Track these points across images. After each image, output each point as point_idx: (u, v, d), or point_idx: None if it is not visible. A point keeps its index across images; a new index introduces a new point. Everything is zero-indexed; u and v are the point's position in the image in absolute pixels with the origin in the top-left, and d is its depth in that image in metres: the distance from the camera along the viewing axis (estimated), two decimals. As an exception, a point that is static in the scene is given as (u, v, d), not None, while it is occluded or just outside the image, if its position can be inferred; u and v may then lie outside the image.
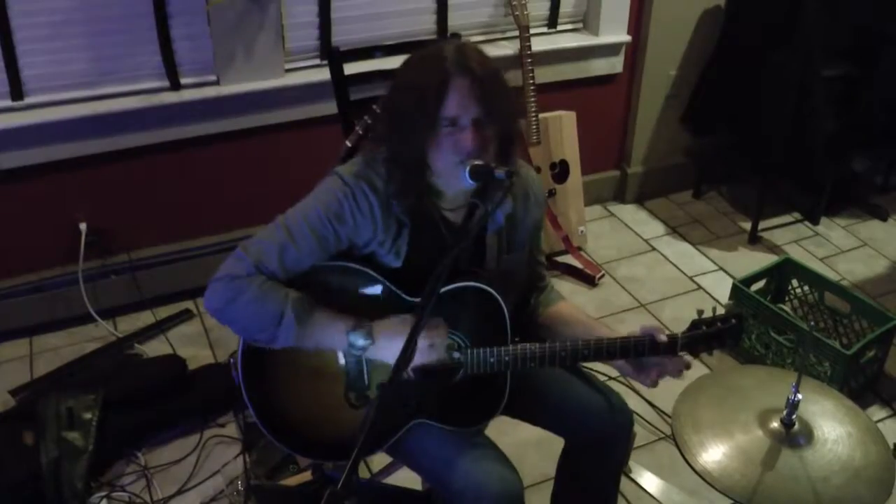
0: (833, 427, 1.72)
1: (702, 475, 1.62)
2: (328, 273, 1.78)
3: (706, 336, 1.77)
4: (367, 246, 1.78)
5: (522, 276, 1.97)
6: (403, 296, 1.78)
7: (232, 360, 1.87)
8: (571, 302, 2.05)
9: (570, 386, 1.97)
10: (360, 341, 1.69)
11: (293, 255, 1.72)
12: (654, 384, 1.81)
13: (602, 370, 2.98)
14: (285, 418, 1.86)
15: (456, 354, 1.79)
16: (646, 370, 1.80)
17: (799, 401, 1.66)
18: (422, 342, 1.67)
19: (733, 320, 1.77)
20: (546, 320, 1.99)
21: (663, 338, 1.76)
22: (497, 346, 1.78)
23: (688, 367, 1.78)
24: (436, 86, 1.64)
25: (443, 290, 1.72)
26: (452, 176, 1.69)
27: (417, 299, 1.76)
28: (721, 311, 1.80)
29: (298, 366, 1.81)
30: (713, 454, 1.66)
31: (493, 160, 1.68)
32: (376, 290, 1.79)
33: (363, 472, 2.37)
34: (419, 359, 1.69)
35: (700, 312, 1.79)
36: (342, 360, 1.82)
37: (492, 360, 1.77)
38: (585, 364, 2.11)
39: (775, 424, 1.69)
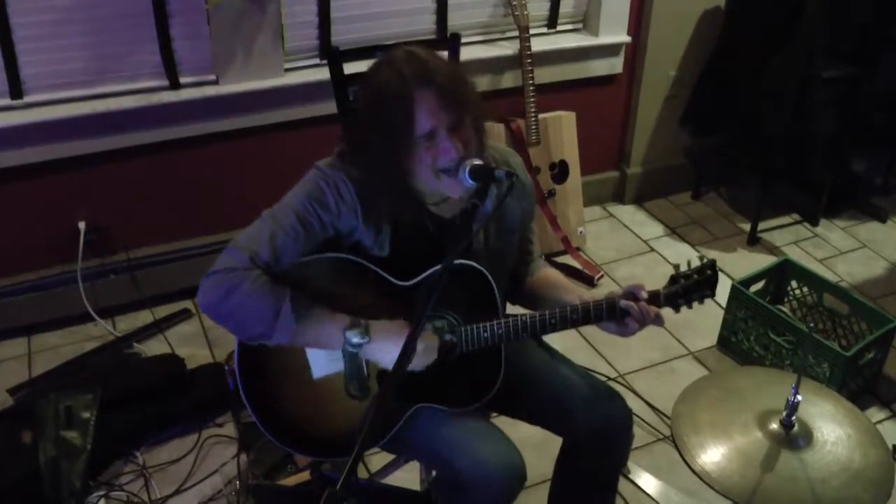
0: (832, 429, 1.72)
1: (701, 476, 1.62)
2: (319, 265, 1.79)
3: (685, 289, 1.80)
4: (352, 235, 1.79)
5: (512, 256, 1.98)
6: (395, 281, 1.79)
7: (227, 368, 1.87)
8: (555, 270, 2.07)
9: (568, 383, 1.97)
10: (356, 339, 1.70)
11: (282, 242, 1.73)
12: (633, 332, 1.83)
13: (602, 371, 2.98)
14: (285, 417, 1.86)
15: (448, 336, 1.80)
16: (625, 324, 1.81)
17: (798, 402, 1.66)
18: (418, 345, 1.67)
19: (709, 271, 1.81)
20: (532, 286, 2.02)
21: (644, 294, 1.78)
22: (489, 321, 1.79)
23: (658, 320, 1.79)
24: (402, 107, 1.64)
25: (432, 269, 1.76)
26: (439, 184, 1.71)
27: (409, 283, 1.78)
28: (696, 263, 1.84)
29: (296, 361, 1.82)
30: (712, 455, 1.66)
31: (476, 153, 1.70)
32: (368, 277, 1.79)
33: (362, 473, 2.37)
34: (415, 363, 1.71)
35: (676, 267, 1.83)
36: (316, 374, 1.83)
37: (485, 334, 1.79)
38: (587, 367, 2.10)
39: (774, 426, 1.69)
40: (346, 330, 1.70)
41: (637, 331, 1.80)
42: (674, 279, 1.82)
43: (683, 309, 1.83)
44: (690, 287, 1.81)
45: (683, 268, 1.83)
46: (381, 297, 1.79)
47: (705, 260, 1.83)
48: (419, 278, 1.78)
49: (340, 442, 1.86)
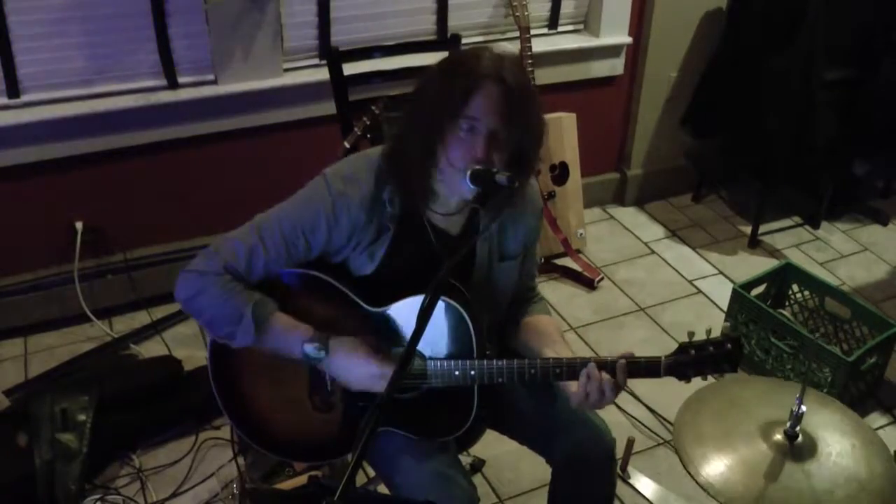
0: (837, 439, 1.71)
1: (704, 488, 1.60)
2: (293, 278, 1.78)
3: (694, 360, 1.66)
4: (340, 252, 1.77)
5: (512, 285, 1.92)
6: (363, 305, 1.76)
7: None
8: (553, 318, 1.98)
9: (547, 407, 1.92)
10: (313, 353, 1.70)
11: (261, 260, 1.73)
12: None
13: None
14: (256, 420, 1.88)
15: (431, 363, 1.75)
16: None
17: (803, 413, 1.64)
18: (375, 369, 1.69)
19: (728, 345, 1.64)
20: (521, 330, 1.93)
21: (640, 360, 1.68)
22: (462, 360, 1.73)
23: (617, 389, 1.67)
24: (465, 83, 1.61)
25: (410, 299, 1.73)
26: (454, 179, 1.65)
27: (377, 309, 1.76)
28: (716, 333, 1.67)
29: (262, 369, 1.81)
30: (715, 466, 1.64)
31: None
32: (339, 297, 1.77)
33: (360, 478, 2.34)
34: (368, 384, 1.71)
35: (690, 335, 1.67)
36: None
37: (456, 373, 1.73)
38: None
39: (778, 437, 1.67)
40: (304, 343, 1.70)
41: (582, 402, 1.68)
42: (682, 349, 1.67)
43: (684, 311, 1.77)
44: (703, 359, 1.64)
45: (700, 336, 1.67)
46: (348, 319, 1.76)
47: (729, 332, 1.66)
48: (390, 307, 1.75)
49: (314, 448, 1.88)
